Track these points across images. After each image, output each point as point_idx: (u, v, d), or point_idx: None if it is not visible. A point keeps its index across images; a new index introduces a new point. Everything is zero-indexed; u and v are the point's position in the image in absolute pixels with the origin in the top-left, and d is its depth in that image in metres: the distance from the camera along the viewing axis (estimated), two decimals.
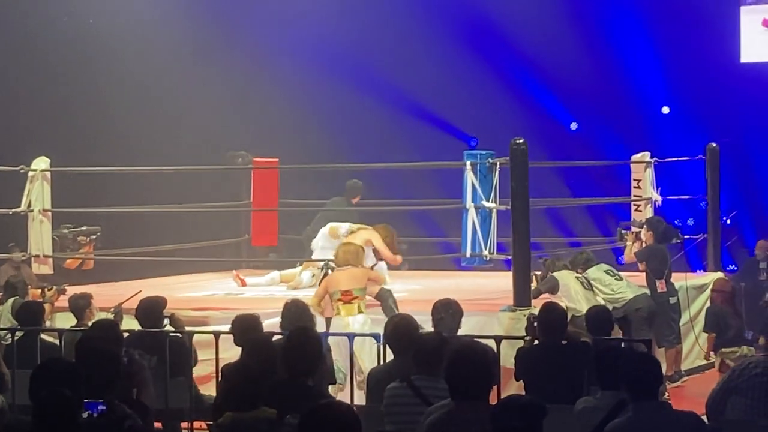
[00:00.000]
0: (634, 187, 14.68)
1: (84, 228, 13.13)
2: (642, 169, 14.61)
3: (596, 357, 6.96)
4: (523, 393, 7.80)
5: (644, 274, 12.72)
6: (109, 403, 5.80)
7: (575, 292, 11.61)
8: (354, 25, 18.44)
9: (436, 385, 6.57)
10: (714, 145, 14.90)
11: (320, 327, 10.10)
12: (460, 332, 8.52)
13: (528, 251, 11.30)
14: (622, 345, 8.70)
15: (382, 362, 8.28)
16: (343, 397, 8.67)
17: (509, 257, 11.55)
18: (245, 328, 8.21)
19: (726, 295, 12.93)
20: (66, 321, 10.43)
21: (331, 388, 8.79)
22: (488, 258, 12.10)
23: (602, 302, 11.64)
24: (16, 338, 9.09)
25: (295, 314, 8.81)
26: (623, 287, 12.02)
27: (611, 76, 19.26)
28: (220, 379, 8.15)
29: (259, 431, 5.95)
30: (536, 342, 8.38)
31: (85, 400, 5.70)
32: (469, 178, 12.05)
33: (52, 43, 16.21)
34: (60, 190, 13.07)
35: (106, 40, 16.58)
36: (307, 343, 6.86)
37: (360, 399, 8.46)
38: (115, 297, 10.88)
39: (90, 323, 9.37)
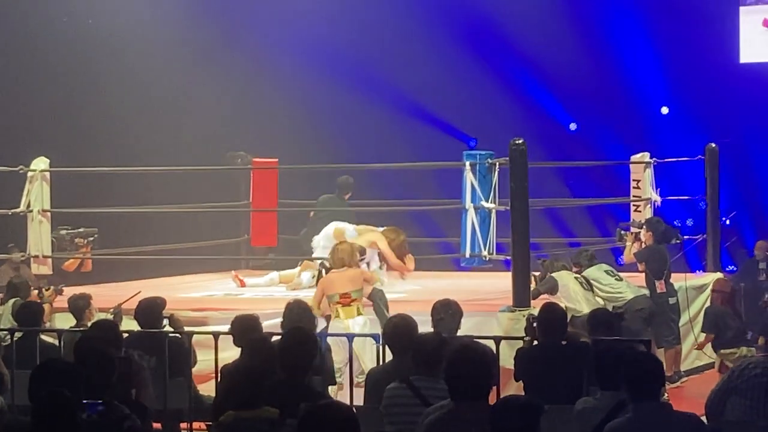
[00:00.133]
0: (634, 188, 14.68)
1: (81, 230, 13.13)
2: (641, 170, 14.62)
3: (596, 357, 6.96)
4: (522, 393, 7.80)
5: (644, 274, 12.72)
6: (108, 404, 5.81)
7: (574, 293, 11.61)
8: (354, 25, 18.44)
9: (436, 386, 6.57)
10: (713, 145, 14.90)
11: (322, 327, 10.11)
12: (459, 333, 8.52)
13: (527, 252, 11.30)
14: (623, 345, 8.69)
15: (381, 363, 8.29)
16: (343, 397, 8.67)
17: (508, 257, 11.55)
18: (245, 329, 8.21)
19: (726, 296, 12.92)
20: (65, 322, 10.42)
21: (331, 388, 8.79)
22: (487, 258, 12.10)
23: (602, 302, 11.68)
24: (15, 339, 9.08)
25: (297, 315, 8.81)
26: (623, 287, 12.02)
27: (610, 77, 19.26)
28: (219, 379, 8.16)
29: (261, 431, 5.96)
30: (535, 342, 8.38)
31: (84, 401, 5.70)
32: (469, 178, 12.04)
33: (52, 43, 16.22)
34: (59, 190, 13.07)
35: (106, 40, 16.59)
36: (301, 342, 6.87)
37: (360, 399, 8.46)
38: (114, 297, 10.88)
39: (89, 324, 9.37)
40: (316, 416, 4.65)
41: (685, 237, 14.15)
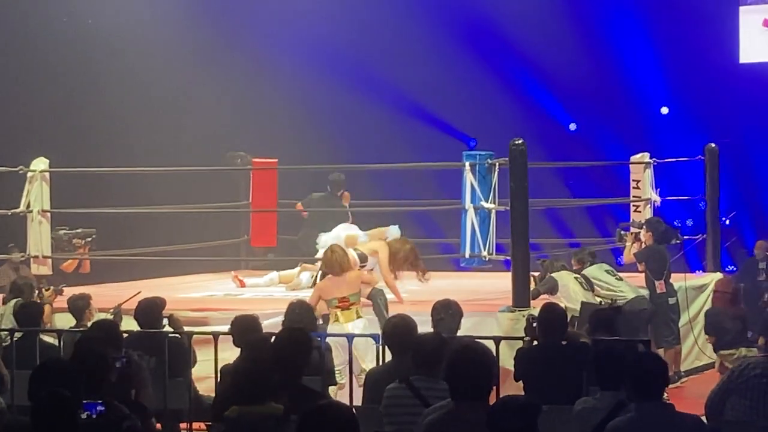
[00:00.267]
0: (633, 188, 14.69)
1: (79, 230, 13.12)
2: (641, 170, 14.62)
3: (596, 357, 6.95)
4: (522, 393, 7.80)
5: (643, 274, 12.72)
6: (107, 404, 5.80)
7: (574, 293, 11.61)
8: (354, 25, 18.44)
9: (436, 386, 6.57)
10: (713, 145, 14.90)
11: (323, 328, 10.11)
12: (459, 333, 8.52)
13: (527, 252, 11.30)
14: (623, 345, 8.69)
15: (381, 363, 8.28)
16: (343, 397, 8.67)
17: (508, 258, 11.55)
18: (244, 329, 8.21)
19: (728, 296, 12.91)
20: (65, 322, 10.42)
21: (331, 388, 8.79)
22: (487, 258, 12.10)
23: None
24: (15, 339, 9.08)
25: (299, 315, 8.81)
26: (623, 287, 12.02)
27: (610, 77, 19.27)
28: (218, 379, 8.16)
29: (265, 427, 5.95)
30: (535, 342, 8.38)
31: (84, 401, 5.70)
32: (468, 178, 12.04)
33: (52, 43, 16.21)
34: (59, 190, 13.07)
35: (106, 40, 16.58)
36: (296, 341, 6.86)
37: (360, 400, 8.46)
38: (114, 298, 10.88)
39: (89, 324, 9.36)
40: (316, 416, 4.65)
41: (685, 237, 14.17)
